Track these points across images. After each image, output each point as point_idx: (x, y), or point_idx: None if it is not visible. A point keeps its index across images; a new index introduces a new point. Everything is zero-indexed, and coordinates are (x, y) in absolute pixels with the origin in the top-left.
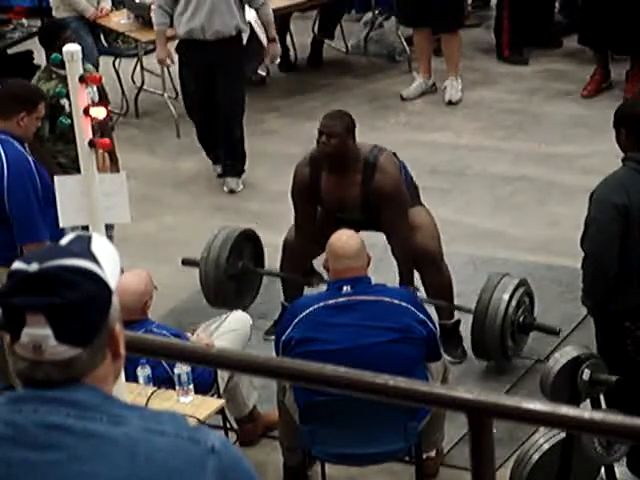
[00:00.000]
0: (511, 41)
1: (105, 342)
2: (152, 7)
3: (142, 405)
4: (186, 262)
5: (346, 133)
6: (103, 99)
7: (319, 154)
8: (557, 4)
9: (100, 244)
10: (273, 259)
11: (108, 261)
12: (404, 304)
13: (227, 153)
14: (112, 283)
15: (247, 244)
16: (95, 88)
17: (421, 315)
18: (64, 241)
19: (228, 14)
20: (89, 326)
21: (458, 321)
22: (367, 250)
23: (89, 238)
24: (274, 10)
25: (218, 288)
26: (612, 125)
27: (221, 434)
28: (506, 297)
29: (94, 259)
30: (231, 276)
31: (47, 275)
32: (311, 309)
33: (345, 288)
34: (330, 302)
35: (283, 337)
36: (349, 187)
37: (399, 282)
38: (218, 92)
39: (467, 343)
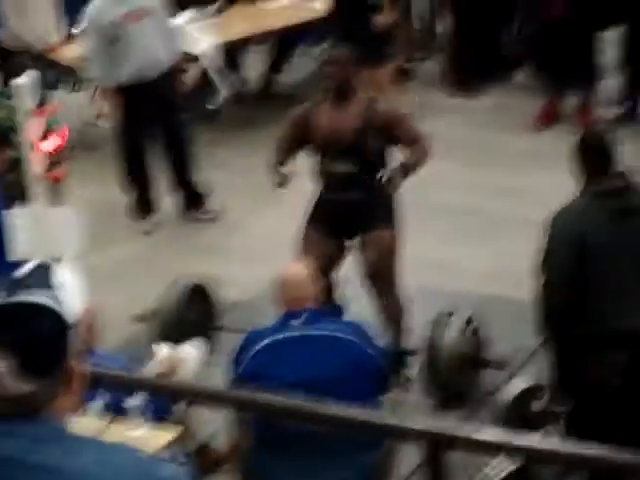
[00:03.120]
0: (459, 75)
1: (62, 376)
2: (87, 61)
3: (97, 437)
4: (138, 318)
5: (349, 61)
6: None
7: (325, 84)
8: (510, 35)
9: (61, 275)
10: (228, 290)
11: (69, 293)
12: (354, 339)
13: (191, 190)
14: (72, 316)
15: (199, 298)
16: (44, 120)
17: (370, 350)
18: (24, 271)
19: (169, 43)
20: (46, 362)
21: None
22: (319, 283)
23: (49, 269)
24: (227, 43)
25: (170, 341)
26: (570, 155)
27: (175, 466)
28: (453, 336)
29: (53, 293)
30: (183, 330)
31: (4, 312)
32: (262, 345)
33: (296, 321)
34: (280, 337)
35: (236, 373)
36: (348, 115)
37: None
38: (164, 134)
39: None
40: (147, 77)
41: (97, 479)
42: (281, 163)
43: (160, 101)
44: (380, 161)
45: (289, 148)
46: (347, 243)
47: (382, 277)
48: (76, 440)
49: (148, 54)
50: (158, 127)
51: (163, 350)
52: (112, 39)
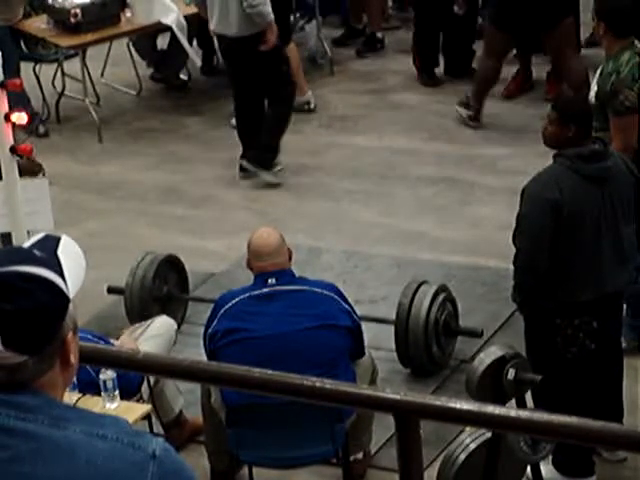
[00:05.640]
0: (422, 63)
1: (56, 350)
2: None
3: (86, 408)
4: (111, 290)
5: None
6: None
7: None
8: (480, 2)
9: (67, 247)
10: (201, 261)
11: (72, 266)
12: (328, 293)
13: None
14: (72, 290)
15: (171, 270)
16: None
17: (345, 305)
18: (31, 241)
19: None
20: (39, 334)
21: None
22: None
23: (57, 240)
24: (198, 14)
25: (143, 314)
26: (550, 119)
27: (162, 440)
28: (426, 304)
29: (56, 266)
30: (156, 302)
31: (1, 281)
32: (236, 300)
33: (270, 280)
34: (255, 293)
35: (209, 330)
36: None
37: None
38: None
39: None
40: None
41: (86, 449)
42: None
43: None
44: None
45: None
46: None
47: None
48: (64, 410)
49: None
50: None
51: (124, 340)
52: None
